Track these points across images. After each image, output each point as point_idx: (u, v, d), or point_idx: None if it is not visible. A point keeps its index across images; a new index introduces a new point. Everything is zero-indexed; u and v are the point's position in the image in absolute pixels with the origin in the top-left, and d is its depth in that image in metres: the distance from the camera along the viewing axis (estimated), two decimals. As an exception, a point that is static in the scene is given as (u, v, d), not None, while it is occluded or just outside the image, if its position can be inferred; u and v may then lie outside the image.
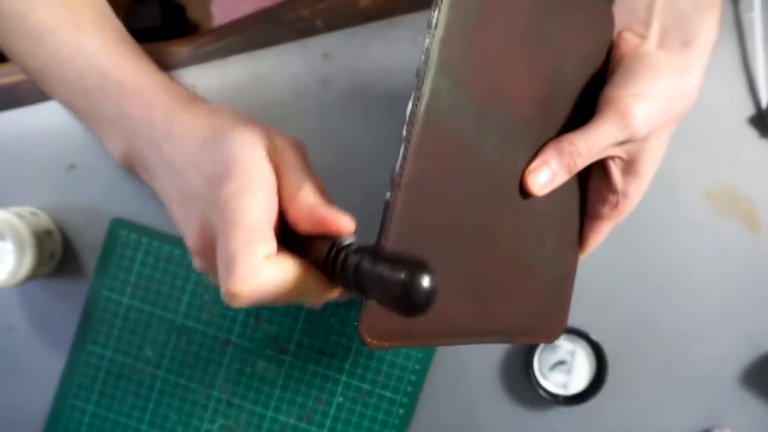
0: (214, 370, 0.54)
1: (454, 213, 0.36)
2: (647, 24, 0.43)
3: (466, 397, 0.54)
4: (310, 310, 0.53)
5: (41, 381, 0.54)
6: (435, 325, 0.37)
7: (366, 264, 0.31)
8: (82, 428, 0.54)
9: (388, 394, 0.54)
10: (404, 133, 0.32)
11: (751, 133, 0.54)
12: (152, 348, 0.53)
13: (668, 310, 0.54)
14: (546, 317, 0.46)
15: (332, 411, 0.54)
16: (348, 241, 0.34)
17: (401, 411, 0.54)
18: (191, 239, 0.37)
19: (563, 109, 0.42)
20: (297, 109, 0.53)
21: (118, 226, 0.53)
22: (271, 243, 0.34)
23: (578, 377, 0.53)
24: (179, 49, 0.53)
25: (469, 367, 0.54)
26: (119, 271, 0.53)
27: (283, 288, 0.33)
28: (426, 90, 0.32)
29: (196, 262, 0.39)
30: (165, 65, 0.52)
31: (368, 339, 0.33)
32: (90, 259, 0.53)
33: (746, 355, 0.54)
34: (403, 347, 0.50)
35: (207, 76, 0.52)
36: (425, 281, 0.28)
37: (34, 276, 0.50)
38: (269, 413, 0.54)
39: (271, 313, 0.53)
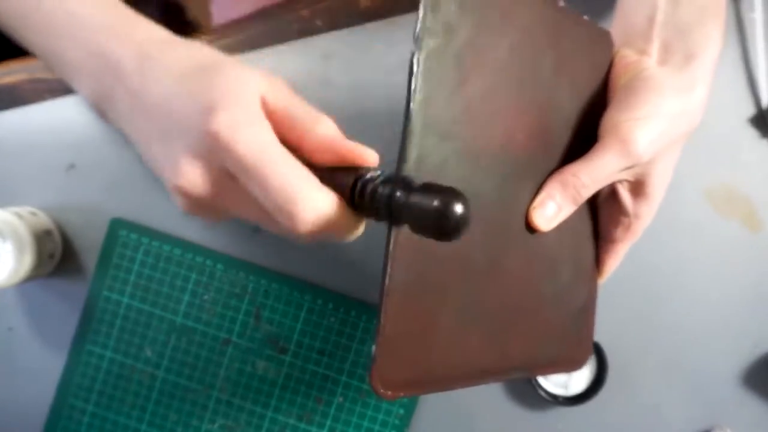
0: (214, 370, 0.54)
1: (462, 259, 0.36)
2: (648, 38, 0.41)
3: (466, 398, 0.54)
4: (310, 310, 0.53)
5: (41, 381, 0.54)
6: (452, 369, 0.36)
7: (399, 195, 0.30)
8: (82, 428, 0.54)
9: (388, 394, 0.54)
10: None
11: (751, 133, 0.54)
12: (152, 348, 0.53)
13: (668, 310, 0.54)
14: (569, 346, 0.45)
15: (332, 411, 0.54)
16: (371, 173, 0.33)
17: (401, 411, 0.54)
18: (180, 177, 0.34)
19: (563, 137, 0.41)
20: (297, 109, 0.53)
21: (118, 226, 0.53)
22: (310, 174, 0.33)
23: (578, 377, 0.53)
24: (179, 49, 0.53)
25: (469, 367, 0.54)
26: (119, 271, 0.53)
27: (334, 217, 0.33)
28: (412, 153, 0.32)
29: (182, 203, 0.36)
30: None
31: (381, 390, 0.32)
32: (90, 259, 0.53)
33: (746, 355, 0.54)
34: (419, 395, 0.49)
35: (207, 76, 0.52)
36: (458, 208, 0.28)
37: (33, 276, 0.50)
38: (269, 413, 0.54)
39: (271, 313, 0.53)
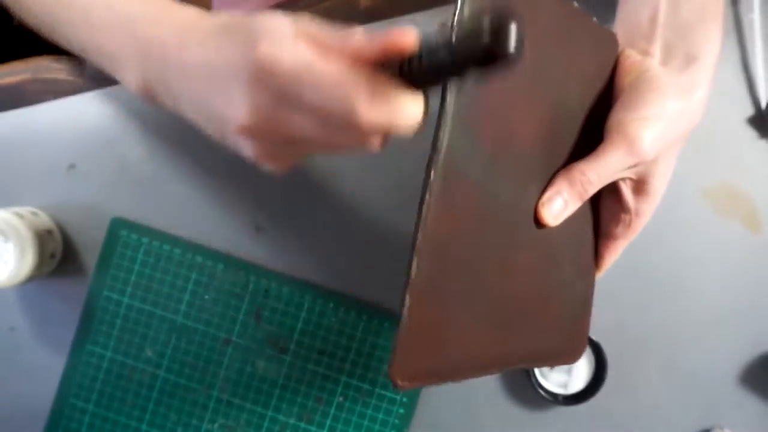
0: (214, 370, 0.54)
1: (474, 252, 0.37)
2: (650, 39, 0.42)
3: (466, 397, 0.54)
4: (310, 310, 0.53)
5: (42, 381, 0.54)
6: (462, 360, 0.37)
7: (443, 49, 0.30)
8: (82, 428, 0.54)
9: (388, 394, 0.54)
10: (424, 186, 0.33)
11: (751, 133, 0.54)
12: (152, 348, 0.53)
13: (668, 310, 0.54)
14: (568, 338, 0.46)
15: (332, 411, 0.54)
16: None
17: (401, 411, 0.54)
18: (239, 114, 0.34)
19: (570, 135, 0.42)
20: (297, 109, 0.53)
21: (118, 225, 0.53)
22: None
23: (578, 377, 0.53)
24: (179, 50, 0.53)
25: (469, 367, 0.54)
26: (119, 271, 0.53)
27: (392, 96, 0.32)
28: (443, 145, 0.33)
29: (250, 146, 0.36)
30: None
31: (399, 382, 0.33)
32: (90, 259, 0.53)
33: (746, 355, 0.54)
34: (431, 385, 0.50)
35: (207, 77, 0.52)
36: (512, 24, 0.26)
37: (34, 276, 0.50)
38: (269, 413, 0.54)
39: (271, 313, 0.53)
